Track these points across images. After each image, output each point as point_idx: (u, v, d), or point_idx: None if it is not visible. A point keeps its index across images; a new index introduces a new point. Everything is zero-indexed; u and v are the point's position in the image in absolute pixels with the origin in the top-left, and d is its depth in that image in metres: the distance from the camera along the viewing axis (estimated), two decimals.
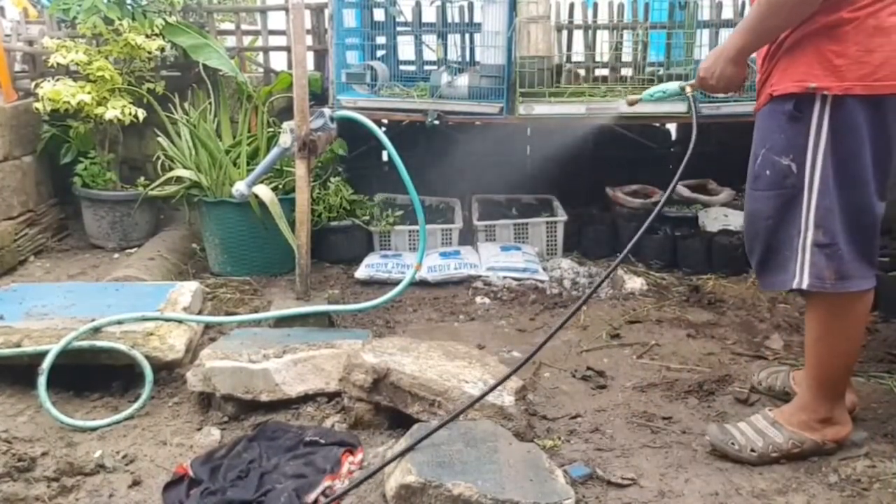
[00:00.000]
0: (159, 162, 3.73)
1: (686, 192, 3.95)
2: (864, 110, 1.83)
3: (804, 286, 1.93)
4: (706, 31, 3.82)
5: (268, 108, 3.96)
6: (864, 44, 1.79)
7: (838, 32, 1.80)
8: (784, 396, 2.34)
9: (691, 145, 2.00)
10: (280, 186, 3.57)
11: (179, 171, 3.55)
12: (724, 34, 3.77)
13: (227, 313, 3.06)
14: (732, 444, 2.02)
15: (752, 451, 2.01)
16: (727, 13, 3.92)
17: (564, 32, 4.14)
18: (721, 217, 3.80)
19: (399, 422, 2.17)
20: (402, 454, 1.85)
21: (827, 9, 1.80)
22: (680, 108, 3.50)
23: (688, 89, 2.17)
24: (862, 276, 1.92)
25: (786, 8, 1.81)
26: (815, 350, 2.01)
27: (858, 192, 1.88)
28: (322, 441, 2.07)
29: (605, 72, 4.14)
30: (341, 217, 3.73)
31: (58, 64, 3.68)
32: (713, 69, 2.00)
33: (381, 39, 4.00)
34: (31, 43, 4.13)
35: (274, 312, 2.74)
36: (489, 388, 2.00)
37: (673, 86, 2.23)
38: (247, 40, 4.75)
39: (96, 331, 2.42)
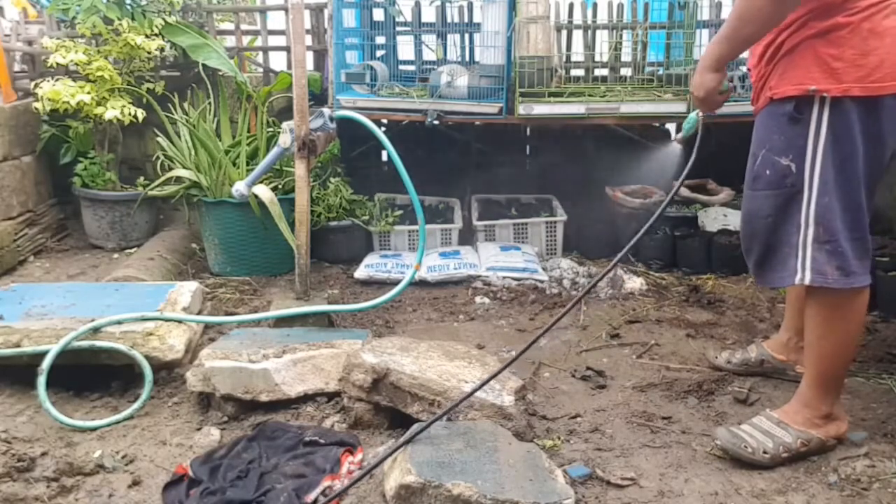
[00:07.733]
0: (159, 162, 3.73)
1: (685, 192, 3.95)
2: (860, 111, 1.87)
3: (806, 281, 1.97)
4: (706, 31, 3.82)
5: (267, 108, 3.96)
6: (859, 47, 1.84)
7: (835, 37, 1.85)
8: (759, 367, 2.51)
9: (690, 162, 2.22)
10: (280, 186, 3.57)
11: (179, 171, 3.55)
12: None
13: (227, 313, 3.06)
14: (745, 447, 2.02)
15: (765, 452, 2.01)
16: (727, 13, 3.92)
17: (564, 32, 4.14)
18: (720, 217, 3.81)
19: (399, 422, 2.17)
20: (398, 448, 1.86)
21: (822, 14, 1.86)
22: (679, 108, 3.51)
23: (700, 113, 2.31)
24: (861, 272, 1.96)
25: (759, 16, 1.87)
26: (818, 347, 2.04)
27: (856, 191, 1.93)
28: (322, 441, 2.07)
29: (604, 72, 4.14)
30: (341, 217, 3.73)
31: (57, 64, 3.68)
32: (696, 82, 2.11)
33: (380, 39, 4.01)
34: (30, 43, 4.12)
35: (274, 312, 2.74)
36: (483, 381, 2.01)
37: (692, 115, 2.37)
38: (246, 40, 4.75)
39: (96, 331, 2.42)
